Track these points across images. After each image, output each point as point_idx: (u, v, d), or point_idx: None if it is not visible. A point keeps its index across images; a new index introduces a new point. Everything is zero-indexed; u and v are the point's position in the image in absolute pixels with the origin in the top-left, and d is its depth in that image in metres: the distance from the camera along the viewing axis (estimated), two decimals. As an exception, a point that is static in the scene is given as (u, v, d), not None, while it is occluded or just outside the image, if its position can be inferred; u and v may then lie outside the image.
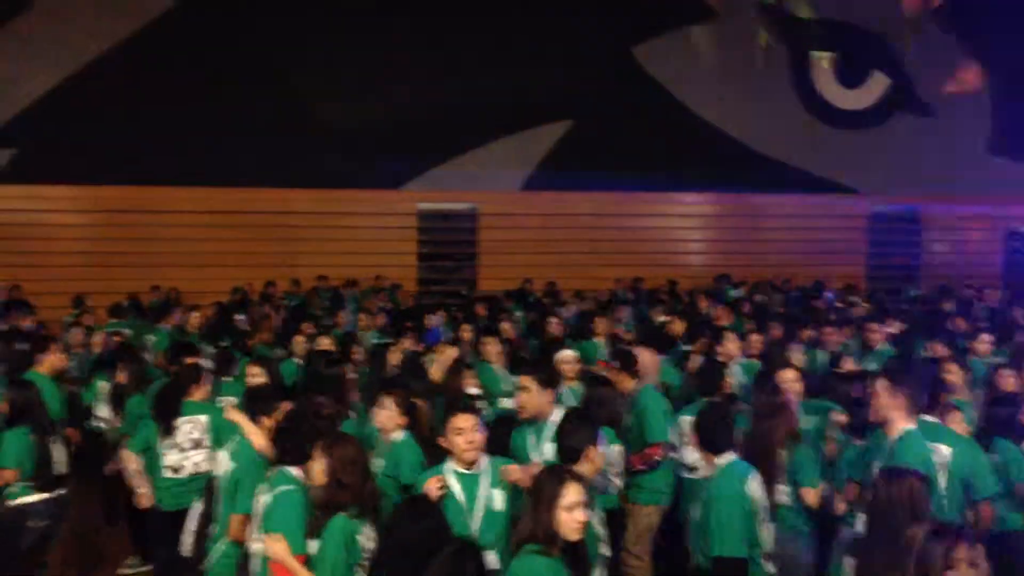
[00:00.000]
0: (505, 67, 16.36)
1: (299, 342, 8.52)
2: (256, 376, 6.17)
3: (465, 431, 4.24)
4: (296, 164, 15.89)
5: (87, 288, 13.64)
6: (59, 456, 6.01)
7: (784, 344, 8.35)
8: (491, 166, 16.78)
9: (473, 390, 6.45)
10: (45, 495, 5.80)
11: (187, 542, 5.14)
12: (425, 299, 15.11)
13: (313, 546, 3.96)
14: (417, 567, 3.20)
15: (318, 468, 4.01)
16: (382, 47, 16.08)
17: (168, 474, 5.91)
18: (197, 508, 5.19)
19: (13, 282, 13.88)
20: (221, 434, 5.65)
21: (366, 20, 16.04)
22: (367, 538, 3.91)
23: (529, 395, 5.07)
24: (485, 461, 4.35)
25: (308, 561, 3.94)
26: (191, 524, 5.21)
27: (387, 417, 5.06)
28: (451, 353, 7.22)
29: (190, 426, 5.89)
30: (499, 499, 4.26)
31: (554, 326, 9.41)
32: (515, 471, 4.32)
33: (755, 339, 8.23)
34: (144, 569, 6.93)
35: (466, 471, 4.28)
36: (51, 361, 6.88)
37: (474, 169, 16.71)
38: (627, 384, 6.18)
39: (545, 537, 3.42)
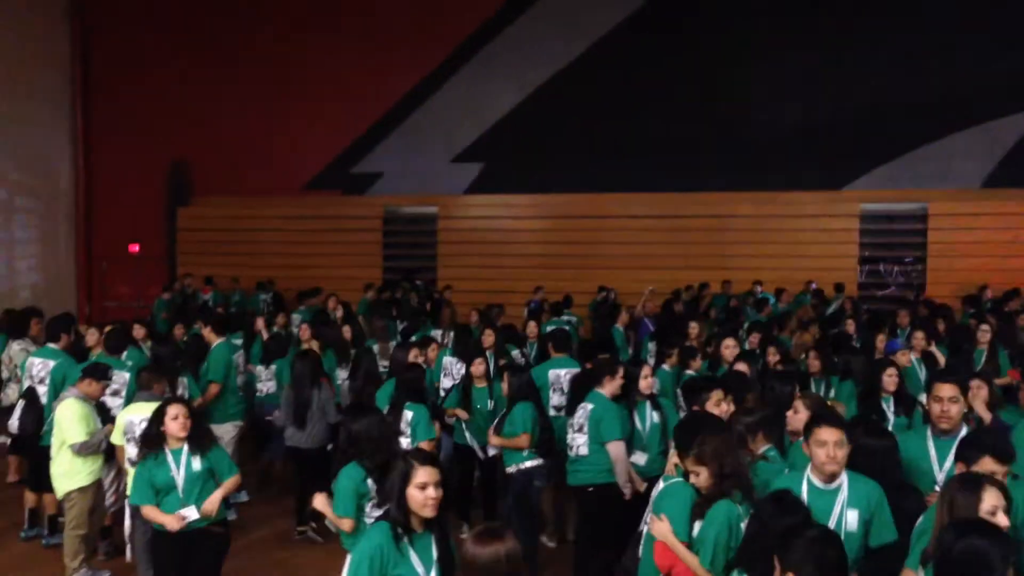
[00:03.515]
0: (961, 52, 15.08)
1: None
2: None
3: (827, 444, 4.03)
4: (737, 168, 16.02)
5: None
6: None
7: None
8: (945, 162, 15.55)
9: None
10: (542, 461, 6.71)
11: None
12: (867, 304, 14.39)
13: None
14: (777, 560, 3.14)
15: (697, 462, 4.15)
16: (824, 44, 15.67)
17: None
18: None
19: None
20: (600, 426, 6.14)
21: (805, 20, 15.75)
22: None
23: (952, 405, 4.76)
24: (844, 478, 4.10)
25: (690, 546, 4.13)
26: None
27: (797, 420, 5.09)
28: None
29: (581, 411, 6.34)
30: (853, 520, 4.00)
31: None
32: None
33: None
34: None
35: (821, 486, 4.08)
36: None
37: (925, 166, 15.58)
38: None
39: None
